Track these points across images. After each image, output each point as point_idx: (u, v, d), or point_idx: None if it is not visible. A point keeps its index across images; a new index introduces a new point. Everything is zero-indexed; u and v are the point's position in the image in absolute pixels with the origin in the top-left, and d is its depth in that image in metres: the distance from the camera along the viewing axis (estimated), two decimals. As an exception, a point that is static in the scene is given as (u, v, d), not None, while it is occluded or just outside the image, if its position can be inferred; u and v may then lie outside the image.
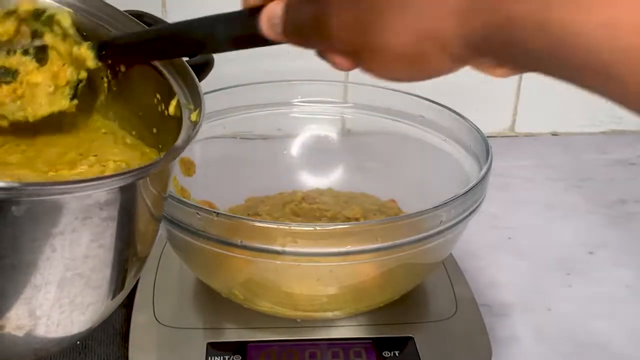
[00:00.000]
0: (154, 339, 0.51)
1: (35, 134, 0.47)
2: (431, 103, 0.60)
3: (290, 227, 0.45)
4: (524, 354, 0.53)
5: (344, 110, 0.65)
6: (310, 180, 0.65)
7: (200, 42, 0.41)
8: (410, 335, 0.51)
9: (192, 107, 0.43)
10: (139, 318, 0.53)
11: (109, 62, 0.45)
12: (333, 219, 0.58)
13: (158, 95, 0.45)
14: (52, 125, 0.48)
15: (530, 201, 0.74)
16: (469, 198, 0.49)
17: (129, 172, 0.34)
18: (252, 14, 0.37)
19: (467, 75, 0.84)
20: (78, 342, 0.52)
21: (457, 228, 0.49)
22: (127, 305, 0.55)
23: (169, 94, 0.44)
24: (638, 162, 0.82)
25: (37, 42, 0.46)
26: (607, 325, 0.56)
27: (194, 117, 0.42)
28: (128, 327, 0.52)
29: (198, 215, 0.46)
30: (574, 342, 0.55)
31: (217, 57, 0.83)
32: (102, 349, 0.51)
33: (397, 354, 0.50)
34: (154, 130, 0.45)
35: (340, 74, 0.81)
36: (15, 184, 0.31)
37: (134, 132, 0.47)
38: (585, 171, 0.80)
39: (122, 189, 0.34)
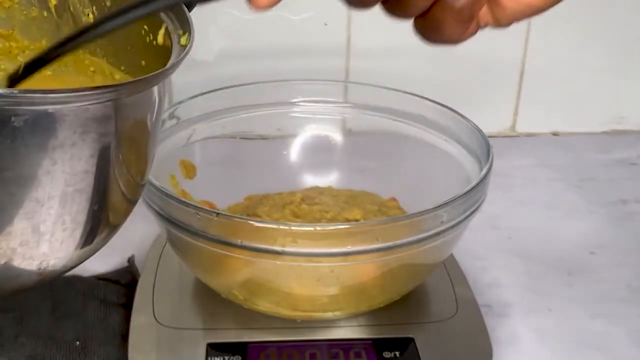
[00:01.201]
0: (153, 340, 0.51)
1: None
2: (432, 103, 0.60)
3: (290, 227, 0.45)
4: (524, 354, 0.53)
5: (344, 110, 0.65)
6: (310, 180, 0.65)
7: None
8: (410, 336, 0.51)
9: (180, 32, 0.43)
10: (139, 318, 0.53)
11: None
12: (333, 221, 0.58)
13: (145, 26, 0.45)
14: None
15: (531, 201, 0.74)
16: (470, 198, 0.49)
17: (123, 84, 0.35)
18: None
19: (468, 75, 0.84)
20: (77, 343, 0.52)
21: (458, 228, 0.49)
22: (127, 305, 0.55)
23: (156, 24, 0.44)
24: (639, 162, 0.82)
25: None
26: (607, 325, 0.56)
27: (183, 40, 0.42)
28: (127, 327, 0.52)
29: (198, 215, 0.46)
30: (575, 342, 0.54)
31: (216, 57, 0.83)
32: (102, 349, 0.51)
33: (397, 355, 0.50)
34: (143, 63, 0.45)
35: (340, 74, 0.82)
36: (15, 91, 0.31)
37: (122, 67, 0.47)
38: (586, 171, 0.80)
39: (117, 103, 0.35)
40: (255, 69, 0.79)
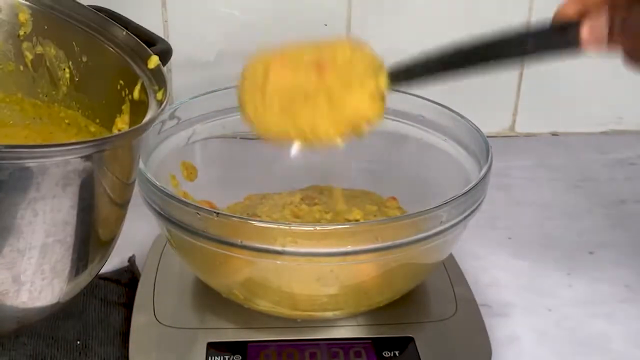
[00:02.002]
0: (154, 339, 0.51)
1: (1, 128, 0.48)
2: (431, 103, 0.60)
3: (290, 227, 0.45)
4: (524, 354, 0.53)
5: (344, 110, 0.65)
6: (310, 181, 0.65)
7: (509, 54, 0.43)
8: (410, 336, 0.51)
9: (156, 87, 0.44)
10: (139, 318, 0.53)
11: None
12: (333, 222, 0.58)
13: (121, 81, 0.46)
14: (16, 120, 0.49)
15: (530, 201, 0.74)
16: (469, 198, 0.49)
17: (103, 138, 0.37)
18: (566, 26, 0.40)
19: (467, 76, 0.83)
20: (78, 342, 0.52)
21: (457, 228, 0.49)
22: (127, 305, 0.55)
23: (132, 79, 0.45)
24: (638, 162, 0.82)
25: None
26: (607, 325, 0.56)
27: (159, 96, 0.43)
28: (128, 327, 0.52)
29: (198, 215, 0.46)
30: (574, 342, 0.54)
31: (216, 57, 0.83)
32: (102, 349, 0.51)
33: (397, 354, 0.50)
34: (118, 116, 0.46)
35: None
36: (1, 147, 0.32)
37: (97, 120, 0.48)
38: (585, 171, 0.80)
39: (99, 156, 0.36)
40: (255, 69, 0.79)
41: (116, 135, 0.38)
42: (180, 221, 0.47)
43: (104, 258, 0.43)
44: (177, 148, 0.60)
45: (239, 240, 0.45)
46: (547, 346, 0.54)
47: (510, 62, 0.44)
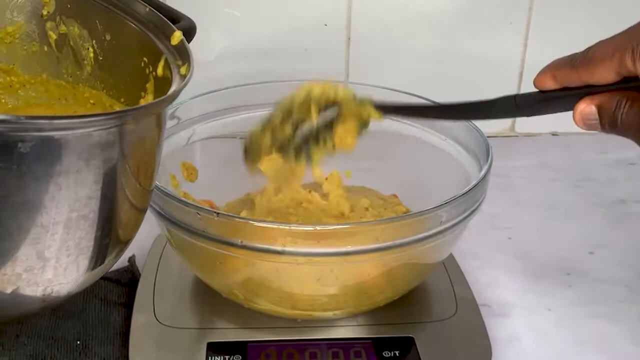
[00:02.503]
0: (154, 339, 0.51)
1: (26, 109, 0.48)
2: (431, 103, 0.60)
3: (290, 227, 0.45)
4: (524, 354, 0.53)
5: (344, 110, 0.65)
6: (310, 180, 0.65)
7: (501, 111, 0.46)
8: (410, 336, 0.51)
9: (180, 62, 0.43)
10: (139, 318, 0.53)
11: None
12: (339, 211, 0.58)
13: (145, 59, 0.45)
14: (40, 101, 0.48)
15: (530, 201, 0.74)
16: (469, 198, 0.49)
17: (127, 110, 0.36)
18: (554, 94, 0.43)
19: (467, 75, 0.84)
20: (78, 342, 0.52)
21: (458, 228, 0.49)
22: (127, 305, 0.55)
23: (155, 56, 0.44)
24: (638, 162, 0.82)
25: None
26: (607, 325, 0.56)
27: (183, 70, 0.43)
28: (128, 327, 0.52)
29: (198, 215, 0.46)
30: (574, 342, 0.55)
31: (216, 57, 0.84)
32: (102, 349, 0.51)
33: (397, 354, 0.50)
34: (142, 95, 0.46)
35: (340, 74, 0.82)
36: (22, 117, 0.31)
37: (122, 99, 0.47)
38: (585, 171, 0.80)
39: (121, 130, 0.35)
40: (255, 69, 0.79)
41: (139, 107, 0.37)
42: (180, 221, 0.47)
43: (128, 240, 0.42)
44: (177, 148, 0.60)
45: (239, 240, 0.45)
46: (547, 346, 0.54)
47: (503, 115, 0.47)
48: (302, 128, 0.51)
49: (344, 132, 0.51)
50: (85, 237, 0.36)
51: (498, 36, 0.82)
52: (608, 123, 0.40)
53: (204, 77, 0.78)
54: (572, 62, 0.41)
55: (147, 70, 0.45)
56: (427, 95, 0.61)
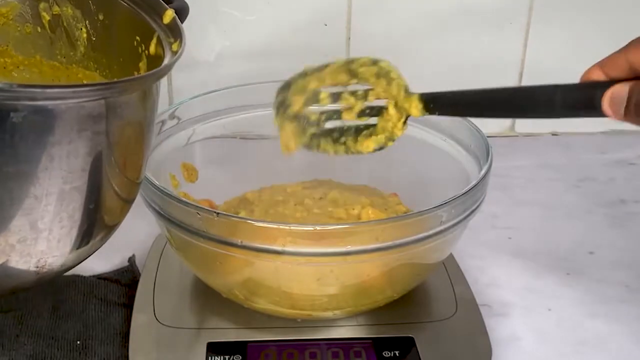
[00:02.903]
0: (154, 339, 0.51)
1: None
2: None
3: (290, 227, 0.45)
4: (524, 354, 0.53)
5: (344, 110, 0.65)
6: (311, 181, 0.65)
7: (537, 109, 0.43)
8: (410, 335, 0.51)
9: (172, 40, 0.44)
10: (139, 318, 0.53)
11: (435, 113, 0.48)
12: (341, 208, 0.58)
13: (137, 37, 0.45)
14: (33, 81, 0.48)
15: (530, 201, 0.74)
16: (469, 198, 0.49)
17: (118, 81, 0.36)
18: (594, 87, 0.40)
19: (467, 75, 0.84)
20: (78, 342, 0.52)
21: (458, 228, 0.49)
22: (127, 305, 0.55)
23: (148, 34, 0.44)
24: (638, 162, 0.82)
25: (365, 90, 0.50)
26: (607, 325, 0.56)
27: (175, 47, 0.43)
28: (128, 327, 0.52)
29: (198, 215, 0.46)
30: (574, 342, 0.54)
31: (216, 57, 0.84)
32: (102, 348, 0.51)
33: (397, 354, 0.50)
34: (135, 74, 0.46)
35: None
36: (14, 85, 0.32)
37: (115, 79, 0.47)
38: (585, 171, 0.80)
39: (111, 102, 0.35)
40: (255, 69, 0.79)
41: (131, 79, 0.37)
42: (180, 221, 0.47)
43: (120, 215, 0.42)
44: (177, 148, 0.60)
45: (239, 240, 0.45)
46: (547, 346, 0.54)
47: (534, 116, 0.45)
48: (331, 119, 0.51)
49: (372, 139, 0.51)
50: (78, 209, 0.36)
51: (498, 36, 0.82)
52: (634, 106, 0.38)
53: (204, 77, 0.79)
54: (620, 49, 0.40)
55: (140, 49, 0.45)
56: (427, 95, 0.61)
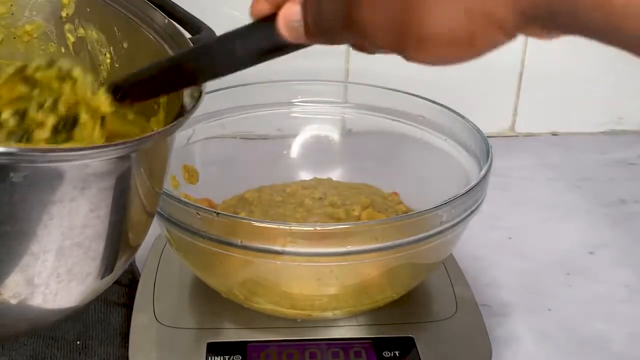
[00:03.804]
0: (154, 339, 0.51)
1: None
2: (431, 103, 0.60)
3: (290, 227, 0.45)
4: (524, 354, 0.53)
5: (344, 110, 0.65)
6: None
7: (222, 64, 0.38)
8: (410, 336, 0.51)
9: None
10: (139, 318, 0.53)
11: (128, 103, 0.42)
12: (341, 207, 0.58)
13: None
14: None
15: (530, 201, 0.74)
16: (469, 198, 0.49)
17: (127, 142, 0.34)
18: (266, 21, 0.35)
19: (467, 75, 0.84)
20: (78, 342, 0.52)
21: (458, 228, 0.49)
22: (127, 305, 0.55)
23: None
24: (638, 162, 0.82)
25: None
26: (607, 325, 0.56)
27: (195, 93, 0.42)
28: (128, 327, 0.52)
29: (198, 215, 0.46)
30: (574, 342, 0.54)
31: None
32: (102, 349, 0.51)
33: (397, 354, 0.50)
34: (155, 107, 0.45)
35: (340, 74, 0.82)
36: (15, 149, 0.31)
37: (135, 109, 0.47)
38: (585, 171, 0.80)
39: (120, 159, 0.34)
40: (256, 69, 0.79)
41: (138, 139, 0.36)
42: (180, 221, 0.47)
43: (126, 262, 0.42)
44: (177, 148, 0.59)
45: (239, 241, 0.45)
46: (547, 346, 0.54)
47: (226, 71, 0.39)
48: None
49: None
50: (79, 264, 0.36)
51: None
52: (312, 18, 0.33)
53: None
54: None
55: None
56: (427, 95, 0.61)
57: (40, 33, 0.50)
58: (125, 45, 0.47)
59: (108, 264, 0.38)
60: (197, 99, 0.40)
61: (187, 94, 0.41)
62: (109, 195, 0.35)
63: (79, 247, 0.35)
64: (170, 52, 0.44)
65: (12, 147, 0.31)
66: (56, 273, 0.35)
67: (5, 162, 0.30)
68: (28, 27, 0.49)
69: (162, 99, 0.45)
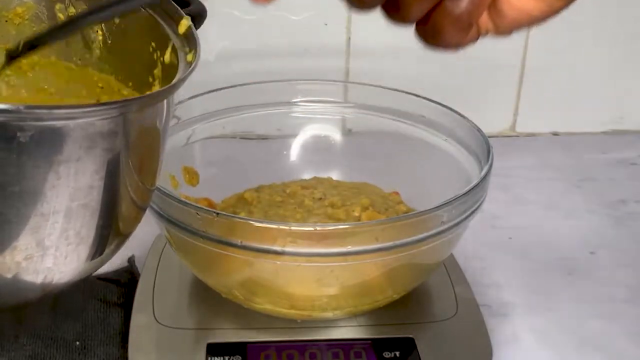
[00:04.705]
0: (153, 339, 0.51)
1: (34, 92, 0.48)
2: (432, 103, 0.60)
3: (290, 227, 0.45)
4: (524, 354, 0.53)
5: (344, 110, 0.65)
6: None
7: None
8: (410, 336, 0.51)
9: (187, 49, 0.43)
10: (139, 318, 0.53)
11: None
12: (341, 208, 0.58)
13: (153, 44, 0.45)
14: (49, 84, 0.48)
15: (531, 201, 0.74)
16: (470, 198, 0.49)
17: (129, 100, 0.35)
18: None
19: (468, 75, 0.84)
20: (77, 343, 0.52)
21: (458, 228, 0.49)
22: (127, 305, 0.55)
23: (163, 42, 0.44)
24: (639, 162, 0.82)
25: None
26: (607, 325, 0.56)
27: (189, 57, 0.42)
28: (128, 327, 0.52)
29: (198, 215, 0.46)
30: (575, 343, 0.54)
31: (216, 57, 0.83)
32: (102, 349, 0.51)
33: (397, 355, 0.50)
34: (150, 80, 0.46)
35: (340, 74, 0.81)
36: (21, 107, 0.31)
37: (130, 84, 0.47)
38: (586, 171, 0.80)
39: (124, 119, 0.35)
40: (255, 69, 0.79)
41: (141, 97, 0.37)
42: (180, 221, 0.47)
43: (128, 232, 0.42)
44: (177, 148, 0.60)
45: (239, 241, 0.45)
46: (547, 346, 0.54)
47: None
48: None
49: None
50: (85, 226, 0.36)
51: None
52: None
53: (204, 77, 0.78)
54: None
55: (156, 56, 0.45)
56: (427, 95, 0.61)
57: (31, 15, 0.50)
58: (117, 21, 0.48)
59: (110, 230, 0.38)
60: (190, 64, 0.41)
61: (182, 63, 0.42)
62: (113, 156, 0.35)
63: (85, 208, 0.36)
64: (164, 25, 0.45)
65: (19, 105, 0.31)
66: (65, 235, 0.35)
67: (12, 120, 0.31)
68: (19, 10, 0.49)
69: (157, 72, 0.45)
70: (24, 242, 0.34)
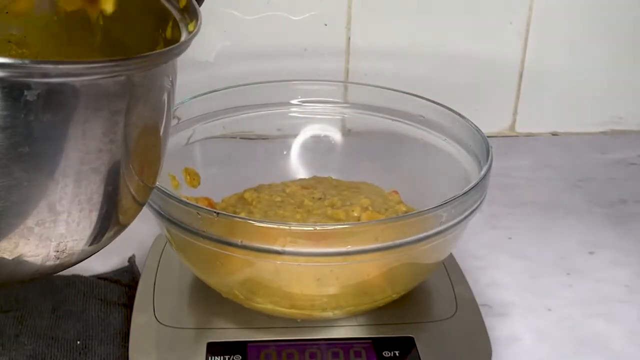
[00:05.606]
0: (154, 339, 0.51)
1: None
2: (431, 103, 0.60)
3: (290, 227, 0.45)
4: (524, 354, 0.53)
5: (344, 110, 0.65)
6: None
7: None
8: (410, 336, 0.51)
9: (188, 20, 0.43)
10: (139, 318, 0.53)
11: None
12: (341, 209, 0.58)
13: (154, 21, 0.45)
14: None
15: (530, 201, 0.74)
16: (470, 198, 0.49)
17: (134, 57, 0.35)
18: None
19: (467, 76, 0.84)
20: (78, 342, 0.52)
21: (458, 228, 0.49)
22: (127, 305, 0.55)
23: (164, 17, 0.44)
24: (638, 162, 0.82)
25: None
26: (607, 325, 0.56)
27: (190, 27, 0.43)
28: (128, 327, 0.52)
29: (198, 215, 0.46)
30: (574, 342, 0.54)
31: (216, 57, 0.83)
32: (102, 349, 0.51)
33: (397, 354, 0.50)
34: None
35: (340, 74, 0.82)
36: (26, 61, 0.31)
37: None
38: (585, 171, 0.80)
39: (128, 80, 0.35)
40: (255, 69, 0.79)
41: (145, 56, 0.36)
42: (180, 221, 0.47)
43: (139, 202, 0.42)
44: (177, 148, 0.60)
45: (239, 240, 0.45)
46: (547, 346, 0.54)
47: None
48: None
49: None
50: (96, 192, 0.36)
51: (498, 36, 0.82)
52: None
53: (204, 77, 0.79)
54: None
55: (157, 34, 0.45)
56: (427, 95, 0.61)
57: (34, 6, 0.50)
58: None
59: (119, 198, 0.38)
60: (192, 32, 0.41)
61: (184, 33, 0.42)
62: (120, 120, 0.35)
63: (95, 172, 0.35)
64: (164, 1, 0.45)
65: (24, 60, 0.31)
66: (77, 200, 0.35)
67: (18, 76, 0.31)
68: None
69: (159, 48, 0.45)
70: (35, 206, 0.34)
